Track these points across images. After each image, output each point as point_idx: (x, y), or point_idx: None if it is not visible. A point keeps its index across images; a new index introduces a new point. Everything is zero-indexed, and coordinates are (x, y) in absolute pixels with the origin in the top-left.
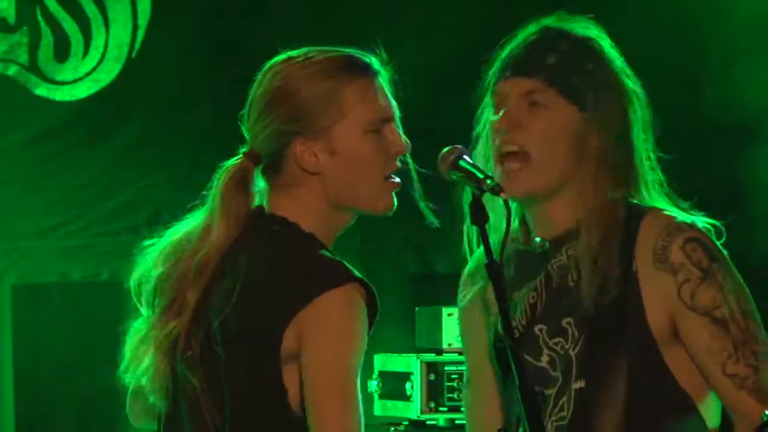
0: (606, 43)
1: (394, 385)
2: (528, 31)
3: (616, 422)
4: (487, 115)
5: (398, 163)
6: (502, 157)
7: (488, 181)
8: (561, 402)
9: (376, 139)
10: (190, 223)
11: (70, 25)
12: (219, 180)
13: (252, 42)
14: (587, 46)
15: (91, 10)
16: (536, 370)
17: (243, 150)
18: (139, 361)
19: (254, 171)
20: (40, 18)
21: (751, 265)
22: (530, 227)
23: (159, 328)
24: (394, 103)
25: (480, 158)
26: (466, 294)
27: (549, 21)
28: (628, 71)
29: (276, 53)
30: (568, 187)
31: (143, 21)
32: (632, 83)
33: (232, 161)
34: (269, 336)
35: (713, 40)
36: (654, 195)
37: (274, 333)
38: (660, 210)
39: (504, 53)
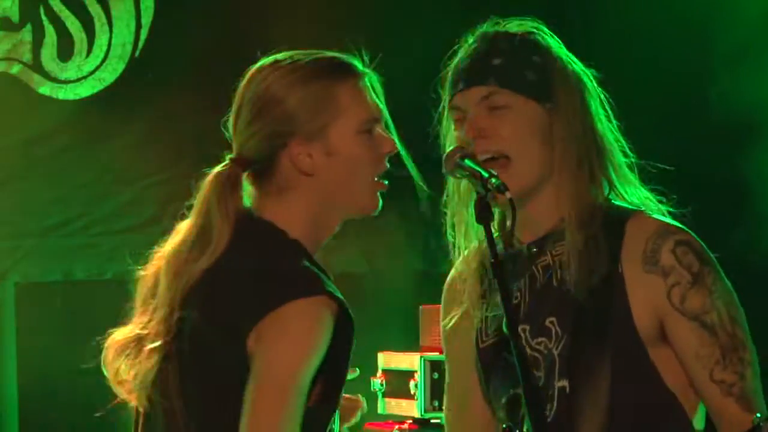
0: (546, 34)
1: (398, 384)
2: (467, 44)
3: (600, 422)
4: (453, 134)
5: (387, 164)
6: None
7: (493, 180)
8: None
9: (368, 138)
10: (182, 232)
11: (73, 24)
12: (209, 188)
13: (253, 42)
14: (528, 39)
15: (94, 9)
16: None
17: (229, 156)
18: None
19: (242, 176)
20: (43, 17)
21: (755, 263)
22: (513, 230)
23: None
24: (382, 103)
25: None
26: (452, 313)
27: (485, 27)
28: (573, 57)
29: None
30: (547, 184)
31: (146, 20)
32: (580, 68)
33: (219, 168)
34: (234, 338)
35: (718, 39)
36: (626, 180)
37: (240, 336)
38: (644, 212)
39: (450, 70)
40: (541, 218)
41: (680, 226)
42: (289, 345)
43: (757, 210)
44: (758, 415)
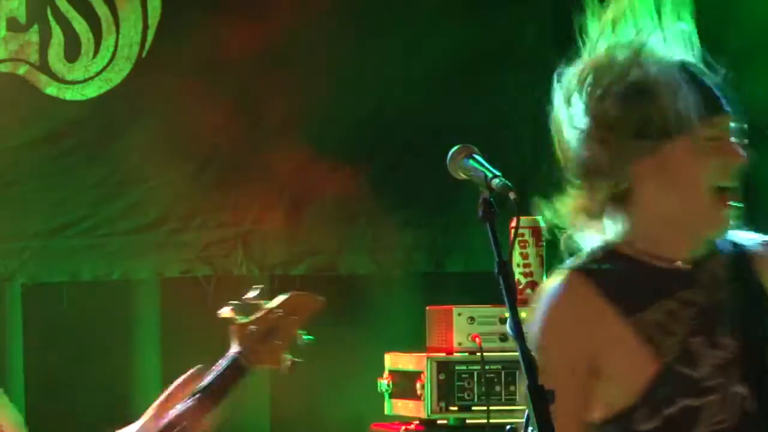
0: None
1: (405, 385)
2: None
3: None
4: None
5: None
6: (724, 191)
7: (496, 180)
8: (717, 410)
9: None
10: None
11: (80, 25)
12: None
13: (260, 42)
14: None
15: (101, 9)
16: (690, 381)
17: None
18: None
19: None
20: (50, 17)
21: None
22: (671, 247)
23: None
24: None
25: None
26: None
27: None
28: None
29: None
30: None
31: (153, 20)
32: None
33: None
34: None
35: (728, 41)
36: None
37: None
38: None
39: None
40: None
41: None
42: None
43: (765, 210)
44: None
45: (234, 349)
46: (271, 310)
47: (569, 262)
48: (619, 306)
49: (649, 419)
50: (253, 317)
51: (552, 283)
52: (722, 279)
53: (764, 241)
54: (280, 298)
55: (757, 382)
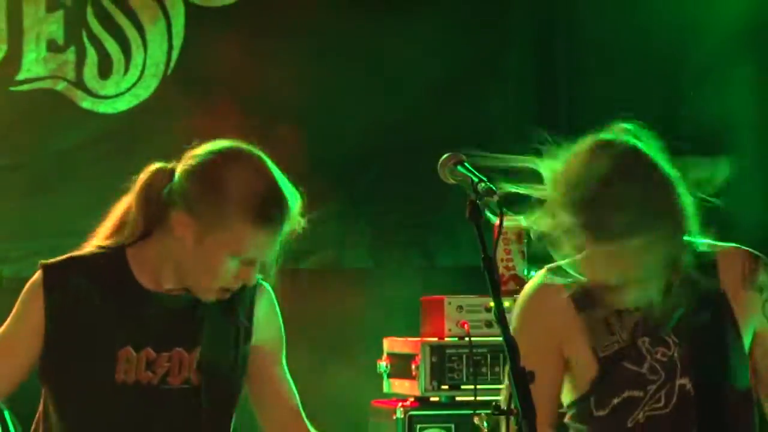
0: None
1: (401, 366)
2: None
3: (717, 417)
4: None
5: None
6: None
7: (482, 185)
8: (658, 395)
9: (232, 263)
10: None
11: (112, 46)
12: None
13: (277, 59)
14: None
15: (131, 32)
16: (635, 375)
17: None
18: None
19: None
20: (85, 39)
21: None
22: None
23: None
24: (274, 248)
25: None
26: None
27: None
28: None
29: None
30: None
31: (177, 41)
32: None
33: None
34: None
35: (689, 54)
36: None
37: None
38: (723, 244)
39: None
40: None
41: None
42: None
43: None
44: None
45: None
46: None
47: (548, 265)
48: (576, 302)
49: (601, 407)
50: None
51: (532, 280)
52: (676, 286)
53: (728, 250)
54: None
55: (699, 376)
